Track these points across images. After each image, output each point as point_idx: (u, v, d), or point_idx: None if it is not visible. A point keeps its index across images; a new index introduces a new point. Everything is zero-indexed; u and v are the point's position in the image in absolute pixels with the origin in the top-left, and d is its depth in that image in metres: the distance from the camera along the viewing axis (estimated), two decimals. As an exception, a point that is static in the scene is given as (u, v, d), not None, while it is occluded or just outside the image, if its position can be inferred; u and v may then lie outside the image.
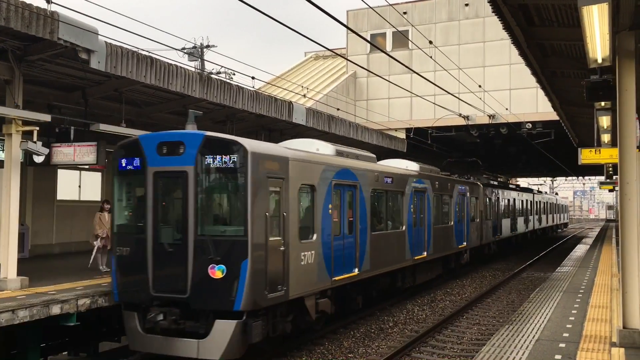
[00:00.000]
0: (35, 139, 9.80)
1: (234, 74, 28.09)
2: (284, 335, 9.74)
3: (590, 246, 25.21)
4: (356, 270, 11.80)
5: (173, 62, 11.46)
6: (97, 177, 17.75)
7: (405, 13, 26.73)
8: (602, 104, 10.61)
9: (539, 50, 10.73)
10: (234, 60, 17.82)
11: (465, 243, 20.24)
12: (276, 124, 16.56)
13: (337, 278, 10.94)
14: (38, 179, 15.40)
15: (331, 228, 10.84)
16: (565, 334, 7.79)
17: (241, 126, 16.28)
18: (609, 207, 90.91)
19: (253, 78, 14.09)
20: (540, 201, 39.49)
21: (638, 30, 6.88)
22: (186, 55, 29.63)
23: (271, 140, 17.98)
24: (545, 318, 8.96)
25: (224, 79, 14.29)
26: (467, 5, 26.82)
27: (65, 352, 11.86)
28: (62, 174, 16.38)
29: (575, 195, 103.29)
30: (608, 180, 29.78)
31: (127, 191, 9.94)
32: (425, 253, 15.91)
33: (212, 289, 8.51)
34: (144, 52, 10.75)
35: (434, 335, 11.40)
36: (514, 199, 30.16)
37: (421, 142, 24.93)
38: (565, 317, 8.96)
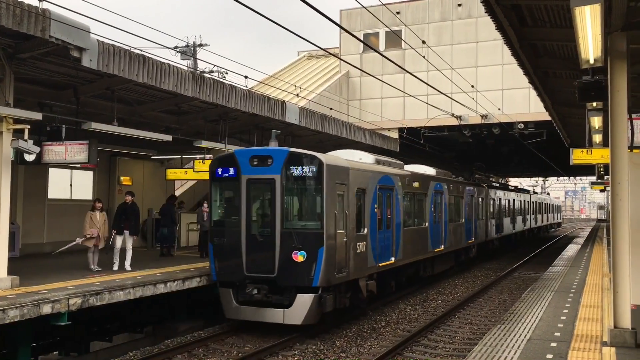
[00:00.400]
0: (26, 137, 9.72)
1: (226, 73, 28.04)
2: (342, 309, 11.91)
3: (582, 246, 25.35)
4: (393, 259, 14.15)
5: (165, 61, 11.41)
6: (88, 176, 17.67)
7: (398, 13, 26.76)
8: (594, 104, 10.66)
9: (531, 51, 10.76)
10: (227, 59, 17.82)
11: (473, 239, 22.65)
12: (269, 123, 16.52)
13: (380, 264, 13.37)
14: (29, 177, 15.31)
15: (376, 223, 13.24)
16: (557, 334, 7.82)
17: (234, 125, 16.25)
18: (600, 207, 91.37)
19: (246, 77, 14.07)
20: (536, 201, 42.02)
21: (630, 31, 6.91)
22: (179, 54, 29.54)
23: (263, 139, 17.96)
24: (537, 317, 8.99)
25: (217, 78, 14.23)
26: (460, 5, 26.88)
27: (56, 352, 11.81)
28: (53, 172, 16.30)
29: (566, 196, 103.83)
30: (599, 180, 29.93)
31: (223, 194, 12.44)
32: (442, 246, 18.39)
33: (295, 269, 10.89)
34: (136, 51, 10.70)
35: (426, 335, 11.42)
36: (514, 200, 32.61)
37: (414, 142, 24.96)
38: (556, 317, 8.99)
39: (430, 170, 18.90)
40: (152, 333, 12.54)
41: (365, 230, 12.64)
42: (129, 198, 12.74)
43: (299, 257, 10.88)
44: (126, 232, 12.41)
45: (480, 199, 24.50)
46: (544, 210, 46.88)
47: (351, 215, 11.94)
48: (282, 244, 11.04)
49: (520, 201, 34.83)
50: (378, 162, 14.55)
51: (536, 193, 48.40)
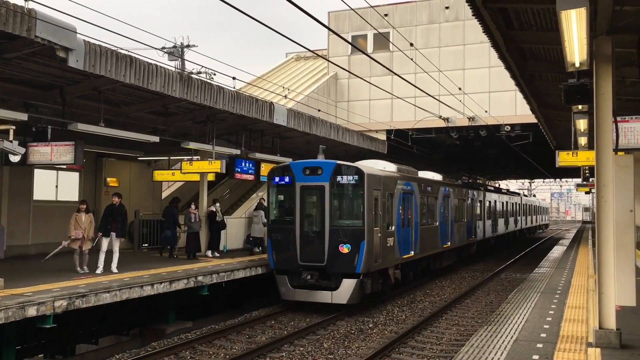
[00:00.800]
0: (11, 138, 9.63)
1: (214, 74, 27.97)
2: (375, 293, 14.23)
3: (567, 247, 25.56)
4: (412, 252, 16.65)
5: (153, 62, 11.36)
6: (74, 177, 17.53)
7: (386, 15, 26.83)
8: (580, 107, 10.74)
9: (518, 54, 10.84)
10: (215, 60, 17.74)
11: (473, 237, 25.35)
12: (257, 125, 16.51)
13: (403, 257, 15.86)
14: (14, 178, 15.15)
15: (400, 222, 15.63)
16: (543, 335, 7.88)
17: (222, 126, 16.21)
18: (586, 209, 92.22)
19: (234, 78, 14.02)
20: (526, 204, 45.17)
21: (615, 35, 6.98)
22: (166, 55, 29.42)
23: (251, 140, 17.95)
24: (523, 319, 9.05)
25: (205, 79, 14.19)
26: (447, 8, 27.02)
27: (42, 355, 11.71)
28: (38, 173, 16.15)
29: (552, 197, 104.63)
30: (585, 182, 30.16)
31: (279, 198, 14.55)
32: (449, 243, 21.03)
33: (341, 259, 13.15)
34: (123, 51, 10.64)
35: (414, 336, 11.45)
36: (507, 202, 35.32)
37: (401, 143, 25.04)
38: (542, 318, 9.06)
39: (437, 176, 21.31)
40: (139, 335, 12.47)
41: (393, 227, 15.07)
42: (116, 199, 12.65)
43: (345, 249, 13.20)
44: (113, 234, 12.33)
45: (479, 202, 27.03)
46: (533, 212, 49.85)
47: (383, 215, 14.26)
48: (330, 238, 13.36)
49: (513, 203, 37.48)
50: (399, 170, 17.10)
51: (526, 196, 51.93)
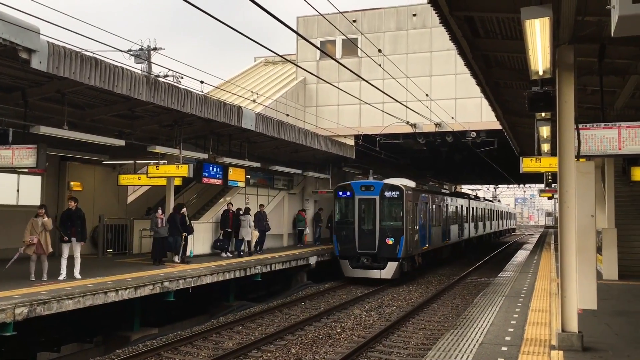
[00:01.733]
0: (-30, 140, 9.36)
1: (182, 78, 27.67)
2: (405, 272, 20.04)
3: (531, 252, 26.01)
4: (427, 245, 22.65)
5: (119, 64, 11.17)
6: (36, 181, 17.13)
7: (354, 21, 26.99)
8: (543, 114, 10.98)
9: (483, 62, 11.01)
10: (182, 63, 17.55)
11: (463, 237, 31.67)
12: (225, 129, 16.40)
13: (422, 248, 21.83)
14: (-27, 182, 14.72)
15: (420, 224, 21.42)
16: (507, 338, 7.99)
17: (189, 130, 16.05)
18: (548, 214, 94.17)
19: (202, 82, 13.91)
20: (498, 210, 52.31)
21: (577, 44, 7.16)
22: (132, 58, 29.01)
23: (220, 144, 17.81)
24: (488, 322, 9.17)
25: (172, 83, 14.04)
26: (414, 15, 27.33)
27: (1, 364, 11.36)
28: (-1, 177, 15.73)
29: (516, 202, 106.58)
30: (547, 188, 30.88)
31: (343, 207, 20.36)
32: (448, 240, 27.11)
33: (387, 248, 19.12)
34: (88, 53, 10.45)
35: (381, 341, 11.50)
36: (484, 208, 41.43)
37: (370, 149, 25.19)
38: (507, 321, 9.19)
39: (444, 190, 31.27)
40: (103, 343, 12.23)
41: (417, 227, 20.93)
42: (72, 204, 12.33)
43: (390, 241, 19.21)
44: (73, 239, 12.05)
45: (466, 208, 32.69)
46: (504, 217, 58.29)
47: (413, 219, 20.25)
48: (380, 234, 19.42)
49: (489, 209, 44.35)
50: (417, 185, 24.23)
51: (499, 202, 62.36)
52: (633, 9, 3.08)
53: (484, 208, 41.01)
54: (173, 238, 15.61)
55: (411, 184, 22.18)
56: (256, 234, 19.58)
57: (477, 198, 41.27)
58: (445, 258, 27.44)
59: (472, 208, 34.88)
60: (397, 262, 19.12)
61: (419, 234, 21.16)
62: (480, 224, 38.27)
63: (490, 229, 44.37)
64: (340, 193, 20.45)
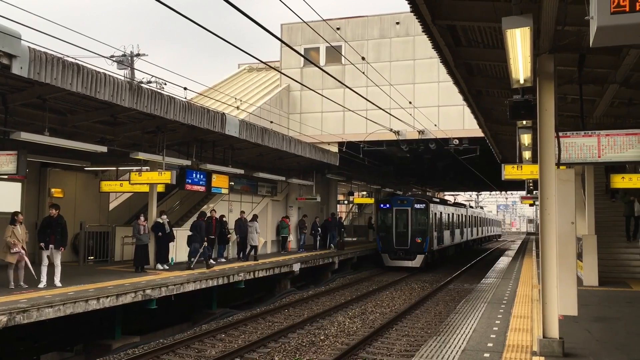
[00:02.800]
0: (-52, 146, 9.22)
1: (165, 84, 27.55)
2: (430, 263, 27.53)
3: (512, 258, 26.22)
4: (442, 244, 29.95)
5: (101, 70, 11.10)
6: (16, 187, 16.90)
7: (338, 29, 27.12)
8: (524, 122, 11.10)
9: (465, 70, 11.13)
10: (166, 70, 17.48)
11: (463, 239, 38.71)
12: (208, 135, 16.34)
13: (439, 246, 29.02)
14: (-49, 189, 14.48)
15: (439, 228, 28.84)
16: (490, 344, 8.04)
17: (172, 137, 15.96)
18: (530, 221, 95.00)
19: (185, 89, 13.87)
20: (487, 217, 60.77)
21: (557, 53, 7.27)
22: (115, 64, 28.82)
23: (203, 151, 17.74)
24: (470, 329, 9.22)
25: (155, 89, 13.97)
26: (398, 23, 27.53)
27: (-22, 374, 11.17)
28: (-22, 183, 15.49)
29: (498, 209, 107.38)
30: (529, 195, 31.18)
31: (383, 215, 27.21)
32: (453, 241, 34.29)
33: (416, 245, 26.10)
34: (70, 59, 10.37)
35: (365, 348, 11.50)
36: (478, 216, 49.88)
37: (353, 155, 25.26)
38: (489, 328, 9.25)
39: (450, 203, 36.98)
40: (83, 351, 12.08)
41: (435, 231, 28.12)
42: (53, 212, 12.17)
43: (418, 240, 26.13)
44: (52, 247, 11.89)
45: (465, 216, 39.71)
46: (493, 223, 68.44)
47: (434, 224, 27.62)
48: (411, 235, 26.41)
49: (481, 217, 52.83)
50: (436, 198, 34.86)
51: (490, 211, 74.99)
52: (611, 19, 3.13)
53: (477, 216, 49.73)
54: (199, 244, 16.29)
55: (435, 199, 32.99)
56: (262, 240, 21.55)
57: (472, 208, 50.07)
58: (450, 255, 34.60)
59: (469, 216, 42.89)
60: (423, 255, 26.61)
61: (438, 236, 28.93)
62: (475, 229, 46.64)
63: (483, 234, 53.53)
64: (382, 205, 27.97)
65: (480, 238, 52.06)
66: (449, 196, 65.11)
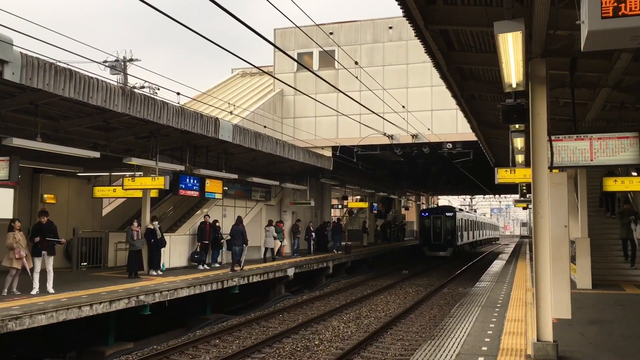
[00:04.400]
0: (-60, 152, 9.17)
1: (158, 89, 27.49)
2: (456, 254, 39.10)
3: (506, 262, 26.26)
4: (464, 241, 41.68)
5: (94, 76, 11.07)
6: (8, 193, 16.82)
7: (331, 33, 27.18)
8: (517, 126, 11.16)
9: (458, 74, 11.16)
10: (159, 75, 17.50)
11: (474, 238, 48.88)
12: (202, 140, 16.32)
13: (461, 242, 40.12)
14: (-58, 195, 14.39)
15: (462, 228, 40.39)
16: (484, 348, 8.04)
17: (166, 142, 15.94)
18: (523, 224, 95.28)
19: (178, 94, 13.84)
20: (488, 222, 69.98)
21: (549, 57, 7.30)
22: (108, 69, 28.76)
23: (197, 156, 17.71)
24: (465, 332, 9.22)
25: (148, 94, 13.94)
26: (391, 28, 27.60)
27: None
28: (-31, 190, 15.41)
29: (492, 213, 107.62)
30: (522, 198, 31.29)
31: (424, 220, 38.65)
32: (469, 240, 44.56)
33: (447, 241, 37.59)
34: (62, 65, 10.34)
35: (359, 352, 11.48)
36: (482, 221, 60.15)
37: (347, 160, 25.28)
38: (483, 331, 9.26)
39: (466, 210, 53.42)
40: (76, 358, 12.00)
41: (459, 231, 38.10)
42: (44, 219, 12.12)
43: (449, 237, 37.14)
44: (44, 253, 11.83)
45: (474, 221, 49.95)
46: (493, 227, 78.39)
47: (460, 225, 38.68)
48: (444, 234, 37.26)
49: (485, 222, 64.15)
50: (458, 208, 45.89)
51: (490, 217, 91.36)
52: (602, 24, 3.15)
53: (483, 221, 61.11)
54: (239, 247, 17.63)
55: (460, 209, 45.24)
56: (278, 243, 23.15)
57: (479, 214, 65.93)
58: (465, 251, 44.34)
59: (478, 222, 54.35)
60: (452, 247, 37.71)
61: (462, 234, 40.15)
62: (482, 231, 57.45)
63: (486, 236, 64.17)
64: (423, 214, 40.06)
65: (485, 239, 63.34)
66: (442, 200, 69.75)
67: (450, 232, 37.53)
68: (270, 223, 22.49)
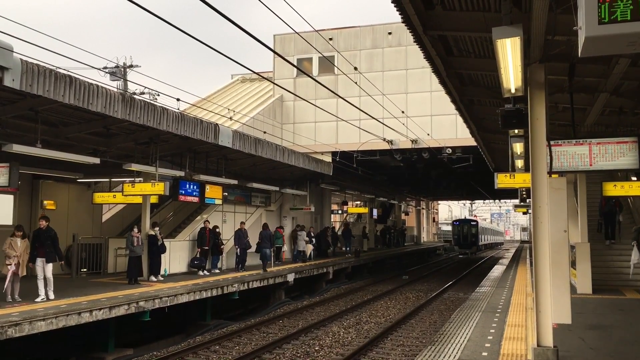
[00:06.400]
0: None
1: (158, 95, 27.54)
2: (477, 252, 55.70)
3: (507, 267, 26.24)
4: (482, 242, 57.78)
5: (94, 82, 11.09)
6: (8, 200, 16.81)
7: (331, 39, 27.25)
8: (516, 131, 11.17)
9: (457, 79, 11.19)
10: (159, 81, 17.55)
11: (485, 242, 61.30)
12: (202, 146, 16.34)
13: (483, 243, 60.32)
14: (-58, 201, 14.39)
15: (482, 233, 57.57)
16: (484, 353, 8.03)
17: (165, 148, 15.96)
18: (523, 229, 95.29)
19: (178, 100, 13.87)
20: (496, 229, 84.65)
21: (547, 62, 7.32)
22: (108, 75, 28.83)
23: (196, 161, 17.72)
24: (465, 338, 9.21)
25: (148, 100, 13.97)
26: (390, 33, 27.69)
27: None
28: (-31, 196, 15.41)
29: (492, 218, 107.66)
30: (522, 203, 31.27)
31: (456, 228, 54.22)
32: (485, 242, 61.35)
33: (472, 242, 52.73)
34: (62, 71, 10.36)
35: (359, 358, 11.46)
36: (492, 228, 75.46)
37: (347, 165, 25.29)
38: (484, 337, 9.24)
39: (486, 221, 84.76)
40: (76, 365, 11.97)
41: (479, 235, 53.16)
42: (43, 223, 12.04)
43: (473, 239, 52.06)
44: (43, 260, 11.77)
45: (489, 229, 64.71)
46: (497, 233, 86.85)
47: (479, 231, 53.35)
48: (470, 236, 52.23)
49: (494, 229, 78.42)
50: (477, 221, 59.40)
51: (497, 225, 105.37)
52: (599, 30, 3.16)
53: (492, 228, 77.08)
54: (268, 250, 19.71)
55: (472, 218, 59.79)
56: (310, 247, 24.76)
57: (491, 224, 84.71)
58: (481, 251, 58.01)
59: (490, 229, 69.83)
60: (475, 247, 51.63)
61: (482, 238, 54.69)
62: (492, 236, 71.26)
63: (494, 240, 76.90)
64: (455, 222, 55.11)
65: (493, 243, 76.35)
66: (442, 205, 78.77)
67: (474, 235, 52.48)
68: (302, 228, 24.75)
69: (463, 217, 66.18)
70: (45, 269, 11.79)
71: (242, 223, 20.53)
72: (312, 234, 26.61)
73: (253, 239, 20.26)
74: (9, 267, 11.10)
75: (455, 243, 54.38)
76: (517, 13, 6.60)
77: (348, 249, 30.21)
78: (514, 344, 8.59)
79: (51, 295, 11.61)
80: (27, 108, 11.29)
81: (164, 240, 16.77)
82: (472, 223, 53.14)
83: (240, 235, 19.64)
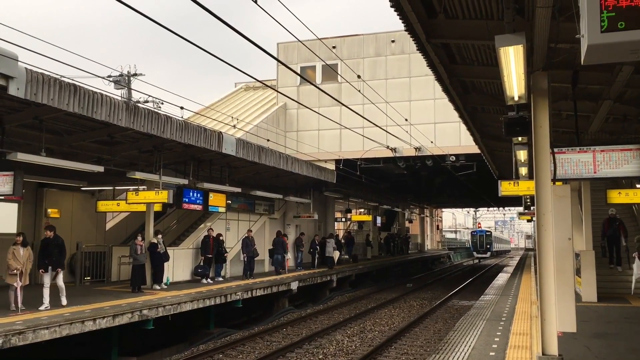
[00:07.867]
0: (-55, 168, 9.21)
1: (162, 104, 27.63)
2: (491, 256, 64.57)
3: (511, 275, 26.14)
4: (494, 249, 66.57)
5: (98, 90, 11.14)
6: (13, 208, 16.85)
7: (334, 47, 27.31)
8: (519, 139, 11.15)
9: (460, 87, 11.19)
10: (162, 89, 17.63)
11: (496, 249, 68.97)
12: (205, 154, 16.37)
13: (493, 250, 64.97)
14: (-53, 210, 14.43)
15: (494, 242, 66.40)
16: (489, 362, 7.99)
17: (169, 156, 15.99)
18: (528, 237, 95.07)
19: (182, 108, 13.90)
20: (504, 238, 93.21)
21: (550, 70, 7.32)
22: (112, 84, 28.94)
23: (200, 169, 17.74)
24: (470, 346, 9.16)
25: (152, 108, 14.01)
26: (393, 41, 27.74)
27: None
28: (-26, 204, 15.45)
29: (496, 225, 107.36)
30: (526, 211, 31.18)
31: (474, 236, 63.75)
32: (496, 249, 69.57)
33: (487, 248, 62.50)
34: (67, 80, 10.41)
35: (363, 367, 11.41)
36: (501, 237, 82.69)
37: (350, 173, 25.29)
38: (488, 345, 9.20)
39: (497, 232, 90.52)
40: (79, 373, 11.95)
41: (492, 242, 62.46)
42: (49, 233, 12.12)
43: (487, 246, 61.65)
44: (50, 268, 11.83)
45: (498, 237, 73.86)
46: (504, 241, 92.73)
47: (493, 239, 63.19)
48: (485, 243, 61.77)
49: (503, 238, 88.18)
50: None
51: (502, 232, 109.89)
52: (601, 38, 3.15)
53: (500, 237, 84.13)
54: (281, 256, 21.17)
55: (486, 228, 68.25)
56: (337, 253, 25.76)
57: (502, 233, 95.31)
58: (494, 256, 65.10)
59: (499, 237, 77.80)
60: (490, 252, 61.06)
61: (494, 245, 63.38)
62: (501, 244, 78.57)
63: (503, 248, 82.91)
64: (473, 232, 64.59)
65: (503, 250, 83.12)
66: (446, 213, 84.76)
67: (489, 243, 61.41)
68: (330, 236, 26.84)
69: (478, 228, 76.30)
70: (57, 277, 11.86)
71: (250, 231, 20.54)
72: (317, 242, 26.56)
73: (257, 247, 20.26)
74: (14, 283, 11.09)
75: (473, 249, 64.84)
76: (520, 21, 6.60)
77: (349, 256, 30.95)
78: (518, 352, 8.54)
79: (64, 301, 11.67)
80: (31, 117, 11.33)
81: (167, 248, 16.77)
82: (487, 233, 64.18)
83: (248, 243, 19.64)
